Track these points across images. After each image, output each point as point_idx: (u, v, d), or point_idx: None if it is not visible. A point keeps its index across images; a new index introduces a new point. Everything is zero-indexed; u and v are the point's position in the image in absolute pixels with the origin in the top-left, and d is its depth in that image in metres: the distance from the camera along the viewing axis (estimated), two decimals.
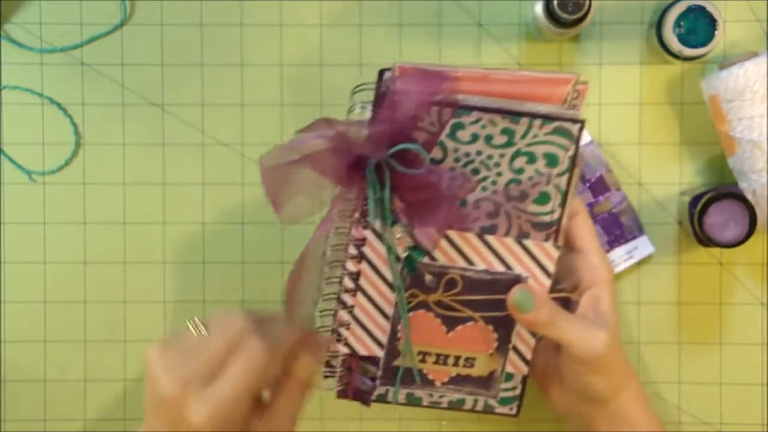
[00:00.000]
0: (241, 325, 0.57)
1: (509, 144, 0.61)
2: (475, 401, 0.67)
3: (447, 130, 0.61)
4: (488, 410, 0.67)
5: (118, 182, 0.78)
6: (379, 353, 0.66)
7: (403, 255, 0.63)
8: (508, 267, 0.64)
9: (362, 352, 0.66)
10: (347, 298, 0.65)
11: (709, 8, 0.72)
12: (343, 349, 0.66)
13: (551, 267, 0.64)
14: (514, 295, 0.63)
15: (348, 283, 0.64)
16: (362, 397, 0.67)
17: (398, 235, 0.62)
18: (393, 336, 0.65)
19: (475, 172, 0.62)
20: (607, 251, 0.77)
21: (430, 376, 0.66)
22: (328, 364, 0.66)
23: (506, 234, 0.63)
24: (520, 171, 0.62)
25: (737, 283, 0.78)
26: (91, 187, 0.78)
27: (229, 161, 0.78)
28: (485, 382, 0.66)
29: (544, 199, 0.63)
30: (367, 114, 0.61)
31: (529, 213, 0.63)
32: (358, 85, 0.62)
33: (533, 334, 0.66)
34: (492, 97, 0.61)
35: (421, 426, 0.78)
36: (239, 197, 0.78)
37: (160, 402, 0.56)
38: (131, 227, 0.78)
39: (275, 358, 0.58)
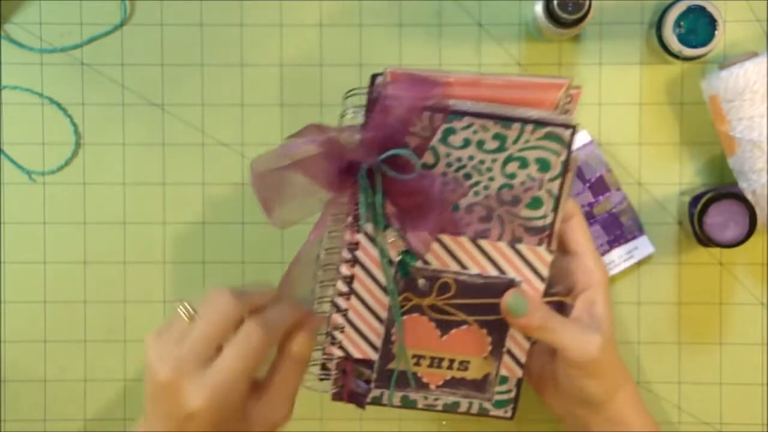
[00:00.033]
0: (232, 303, 0.57)
1: (501, 149, 0.61)
2: (470, 404, 0.67)
3: (439, 135, 0.61)
4: (483, 413, 0.67)
5: (118, 182, 0.78)
6: (374, 356, 0.66)
7: (397, 259, 0.63)
8: (501, 271, 0.64)
9: (357, 355, 0.66)
10: (341, 302, 0.65)
11: (709, 8, 0.72)
12: (338, 352, 0.66)
13: (544, 271, 0.64)
14: (508, 299, 0.63)
15: (342, 286, 0.64)
16: (357, 399, 0.67)
17: (391, 239, 0.62)
18: (387, 339, 0.65)
19: (467, 176, 0.62)
20: (607, 251, 0.77)
21: (425, 379, 0.66)
22: (323, 367, 0.66)
23: (499, 238, 0.63)
24: (513, 176, 0.62)
25: (737, 283, 0.78)
26: (91, 187, 0.78)
27: (229, 161, 0.78)
28: (480, 385, 0.66)
29: (536, 203, 0.63)
30: (360, 118, 0.61)
31: (522, 218, 0.63)
32: (350, 90, 0.62)
33: (528, 338, 0.66)
34: (484, 102, 0.61)
35: (421, 426, 0.78)
36: (239, 197, 0.78)
37: (157, 389, 0.56)
38: (131, 227, 0.78)
39: (271, 339, 0.59)
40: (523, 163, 0.62)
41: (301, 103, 0.78)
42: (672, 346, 0.78)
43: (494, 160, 0.62)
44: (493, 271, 0.64)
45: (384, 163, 0.59)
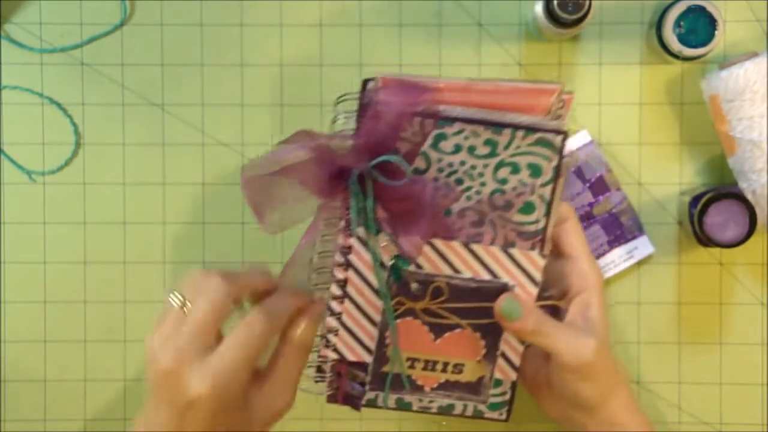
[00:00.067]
0: (223, 286, 0.57)
1: (492, 154, 0.61)
2: (465, 406, 0.67)
3: (430, 140, 0.61)
4: (478, 415, 0.67)
5: (118, 182, 0.78)
6: (368, 359, 0.66)
7: (389, 263, 0.63)
8: (494, 275, 0.64)
9: (351, 358, 0.66)
10: (335, 305, 0.65)
11: (709, 8, 0.72)
12: (332, 355, 0.66)
13: (538, 275, 0.64)
14: (501, 303, 0.63)
15: (335, 290, 0.64)
16: (352, 401, 0.67)
17: (383, 244, 0.62)
18: (381, 342, 0.65)
19: (459, 182, 0.62)
20: (607, 251, 0.77)
21: (419, 382, 0.66)
22: (318, 369, 0.66)
23: (492, 243, 0.63)
24: (504, 181, 0.62)
25: (737, 283, 0.78)
26: (91, 187, 0.78)
27: (229, 161, 0.78)
28: (474, 388, 0.66)
29: (528, 208, 0.63)
30: (351, 123, 0.61)
31: (515, 222, 0.63)
32: (342, 95, 0.62)
33: (522, 341, 0.66)
34: (475, 107, 0.61)
35: (421, 426, 0.78)
36: (239, 197, 0.78)
37: (159, 378, 0.56)
38: (131, 227, 0.78)
39: (274, 327, 0.58)
40: (515, 169, 0.62)
41: (301, 103, 0.78)
42: (672, 346, 0.78)
43: (486, 166, 0.62)
44: (486, 275, 0.64)
45: (375, 169, 0.59)
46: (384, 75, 0.60)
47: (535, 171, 0.62)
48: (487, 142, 0.61)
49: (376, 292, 0.64)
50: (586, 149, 0.77)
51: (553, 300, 0.66)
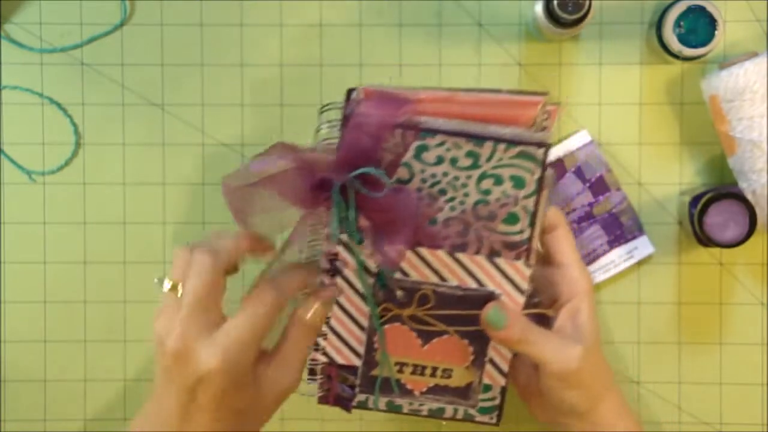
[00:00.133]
0: (208, 260, 0.57)
1: (475, 166, 0.61)
2: (455, 410, 0.67)
3: (412, 152, 0.61)
4: (468, 419, 0.67)
5: (118, 182, 0.78)
6: (357, 362, 0.66)
7: (375, 270, 0.63)
8: (480, 284, 0.64)
9: (340, 361, 0.66)
10: None
11: (709, 8, 0.72)
12: (322, 358, 0.66)
13: (524, 284, 0.64)
14: (487, 312, 0.63)
15: None
16: (343, 403, 0.68)
17: (368, 251, 0.62)
18: (370, 346, 0.66)
19: (443, 192, 0.62)
20: (607, 251, 0.77)
21: (409, 386, 0.66)
22: (310, 371, 0.67)
23: (477, 252, 0.63)
24: (488, 192, 0.62)
25: (737, 283, 0.78)
26: (91, 187, 0.78)
27: (229, 161, 0.78)
28: (464, 393, 0.67)
29: (512, 219, 0.62)
30: (334, 133, 0.61)
31: (499, 232, 0.63)
32: (325, 105, 0.63)
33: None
34: (459, 119, 0.61)
35: (422, 426, 0.78)
36: None
37: (167, 361, 0.56)
38: (131, 227, 0.78)
39: (282, 302, 0.59)
40: (498, 180, 0.62)
41: (301, 103, 0.78)
42: (672, 346, 0.78)
43: (469, 177, 0.62)
44: (472, 284, 0.64)
45: (356, 180, 0.59)
46: (366, 86, 0.60)
47: (518, 183, 0.62)
48: (469, 154, 0.61)
49: (364, 297, 0.64)
50: (586, 149, 0.77)
51: (544, 307, 0.66)
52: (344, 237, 0.62)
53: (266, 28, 0.78)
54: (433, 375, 0.66)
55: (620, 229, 0.77)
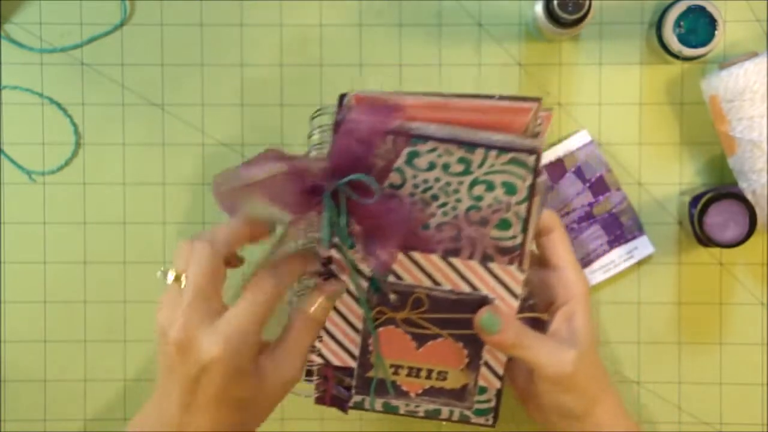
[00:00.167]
0: (207, 249, 0.57)
1: (466, 172, 0.61)
2: (451, 412, 0.67)
3: (403, 157, 0.61)
4: (464, 420, 0.67)
5: (118, 182, 0.78)
6: (353, 364, 0.66)
7: (369, 274, 0.63)
8: (474, 288, 0.64)
9: (335, 362, 0.66)
10: None
11: (709, 8, 0.72)
12: (317, 360, 0.66)
13: (517, 289, 0.64)
14: (481, 317, 0.63)
15: None
16: (339, 404, 0.68)
17: (359, 255, 0.62)
18: (364, 349, 0.66)
19: (435, 197, 0.62)
20: (607, 251, 0.77)
21: (404, 388, 0.67)
22: (307, 373, 0.67)
23: (470, 257, 0.63)
24: (479, 198, 0.62)
25: (737, 283, 0.78)
26: (91, 187, 0.78)
27: (229, 161, 0.78)
28: (459, 395, 0.67)
29: (505, 225, 0.62)
30: (326, 138, 0.62)
31: (492, 238, 0.63)
32: (317, 110, 0.63)
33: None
34: (451, 125, 0.61)
35: (422, 426, 0.78)
36: None
37: (170, 352, 0.56)
38: (131, 227, 0.78)
39: (282, 289, 0.59)
40: (490, 186, 0.62)
41: (301, 103, 0.78)
42: (672, 346, 0.78)
43: (461, 183, 0.62)
44: (465, 288, 0.64)
45: (347, 186, 0.59)
46: (357, 92, 0.60)
47: (510, 189, 0.62)
48: (461, 161, 0.61)
49: (358, 300, 0.64)
50: (586, 149, 0.77)
51: (539, 309, 0.66)
52: (337, 240, 0.62)
53: (266, 28, 0.78)
54: (428, 377, 0.66)
55: (620, 229, 0.77)
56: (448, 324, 0.65)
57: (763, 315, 0.78)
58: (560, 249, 0.65)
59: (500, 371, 0.66)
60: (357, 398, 0.67)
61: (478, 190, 0.62)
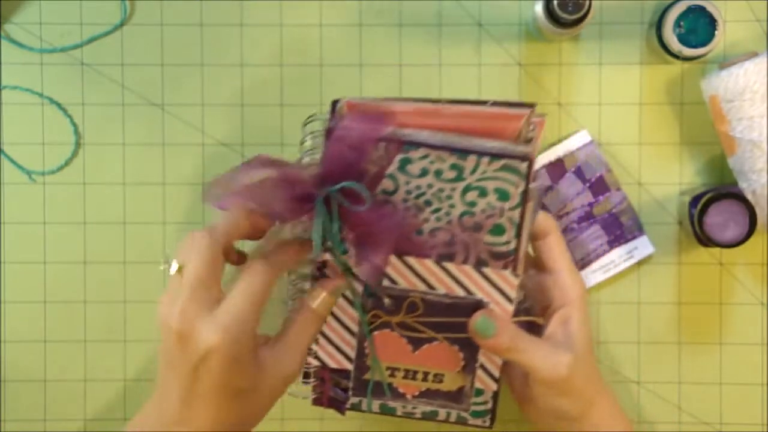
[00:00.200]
0: (206, 238, 0.58)
1: (459, 179, 0.61)
2: (448, 413, 0.67)
3: (396, 164, 0.61)
4: (461, 422, 0.68)
5: (118, 182, 0.78)
6: (349, 366, 0.66)
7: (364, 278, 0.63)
8: (468, 292, 0.64)
9: (332, 365, 0.66)
10: None
11: (709, 8, 0.72)
12: (314, 362, 0.66)
13: (512, 293, 0.64)
14: (476, 321, 0.63)
15: None
16: (336, 406, 0.68)
17: (352, 260, 0.63)
18: (360, 351, 0.66)
19: (428, 203, 0.62)
20: (607, 251, 0.77)
21: (401, 390, 0.67)
22: (304, 375, 0.67)
23: (464, 262, 0.63)
24: (473, 204, 0.62)
25: (737, 283, 0.78)
26: (91, 187, 0.78)
27: (229, 161, 0.78)
28: (456, 397, 0.67)
29: (498, 230, 0.62)
30: (318, 143, 0.62)
31: (486, 243, 0.63)
32: (310, 116, 0.63)
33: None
34: (443, 131, 0.61)
35: (422, 426, 0.78)
36: None
37: (170, 343, 0.57)
38: (131, 227, 0.78)
39: (275, 273, 0.59)
40: (482, 192, 0.62)
41: (301, 103, 0.78)
42: (672, 346, 0.78)
43: (453, 189, 0.62)
44: (460, 292, 0.64)
45: (340, 192, 0.59)
46: (349, 99, 0.60)
47: (503, 195, 0.62)
48: (453, 167, 0.61)
49: (353, 303, 0.64)
50: (586, 149, 0.77)
51: (536, 313, 0.67)
52: (330, 244, 0.62)
53: (266, 28, 0.78)
54: (424, 379, 0.66)
55: (620, 229, 0.77)
56: (443, 328, 0.65)
57: (763, 315, 0.78)
58: (556, 252, 0.65)
59: (496, 374, 0.66)
60: (354, 400, 0.67)
61: (471, 196, 0.62)
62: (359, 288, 0.64)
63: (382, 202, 0.62)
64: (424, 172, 0.61)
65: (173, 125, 0.78)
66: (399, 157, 0.61)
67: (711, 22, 0.72)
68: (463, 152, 0.60)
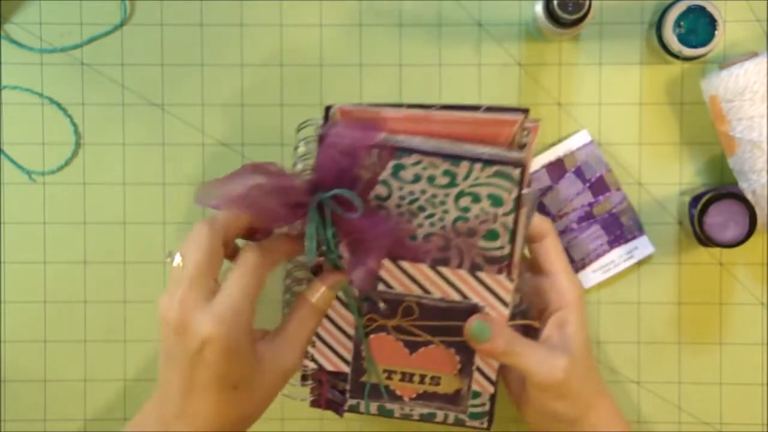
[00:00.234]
0: (205, 230, 0.58)
1: (452, 185, 0.61)
2: (446, 415, 0.68)
3: (389, 170, 0.61)
4: (459, 423, 0.68)
5: (118, 182, 0.78)
6: (346, 369, 0.67)
7: None
8: (464, 296, 0.64)
9: (329, 367, 0.67)
10: None
11: (709, 8, 0.72)
12: (311, 365, 0.66)
13: (507, 297, 0.64)
14: (471, 325, 0.63)
15: None
16: (335, 407, 0.68)
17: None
18: (357, 354, 0.66)
19: (422, 209, 0.62)
20: (607, 251, 0.77)
21: (398, 392, 0.67)
22: (302, 377, 0.67)
23: (459, 266, 0.63)
24: (466, 209, 0.62)
25: (737, 283, 0.78)
26: (91, 187, 0.78)
27: (229, 161, 0.78)
28: (453, 399, 0.67)
29: (492, 235, 0.63)
30: (311, 148, 0.62)
31: (480, 248, 0.63)
32: (303, 122, 0.63)
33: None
34: (436, 137, 0.61)
35: (422, 426, 0.78)
36: None
37: (170, 335, 0.57)
38: (131, 227, 0.78)
39: (267, 261, 0.59)
40: (476, 198, 0.62)
41: (301, 103, 0.78)
42: (672, 346, 0.78)
43: (447, 195, 0.62)
44: (455, 296, 0.64)
45: (333, 199, 0.59)
46: (341, 106, 0.60)
47: (496, 201, 0.62)
48: (446, 173, 0.61)
49: (349, 307, 0.65)
50: (586, 149, 0.77)
51: (533, 316, 0.67)
52: (323, 249, 0.62)
53: (266, 28, 0.78)
54: (421, 382, 0.66)
55: (620, 229, 0.77)
56: (439, 331, 0.65)
57: (763, 315, 0.78)
58: (553, 255, 0.65)
59: (493, 376, 0.66)
60: (352, 402, 0.67)
61: (464, 201, 0.62)
62: (355, 291, 0.64)
63: (375, 208, 0.62)
64: (417, 178, 0.61)
65: (173, 125, 0.78)
66: (392, 163, 0.61)
67: (711, 22, 0.72)
68: (456, 158, 0.60)
